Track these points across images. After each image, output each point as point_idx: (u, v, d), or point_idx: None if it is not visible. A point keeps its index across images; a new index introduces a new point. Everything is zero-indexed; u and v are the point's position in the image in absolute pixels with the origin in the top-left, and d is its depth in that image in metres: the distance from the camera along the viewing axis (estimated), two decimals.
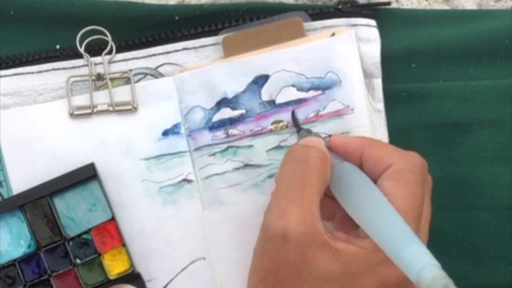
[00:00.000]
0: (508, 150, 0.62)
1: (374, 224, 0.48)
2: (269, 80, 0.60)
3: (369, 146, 0.54)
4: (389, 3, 0.62)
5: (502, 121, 0.62)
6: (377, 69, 0.60)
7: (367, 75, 0.61)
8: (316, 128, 0.60)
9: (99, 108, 0.60)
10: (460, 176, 0.62)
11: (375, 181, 0.52)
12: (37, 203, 0.60)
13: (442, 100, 0.62)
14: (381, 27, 0.61)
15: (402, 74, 0.62)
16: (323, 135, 0.58)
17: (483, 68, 0.62)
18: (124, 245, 0.60)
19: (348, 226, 0.54)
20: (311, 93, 0.60)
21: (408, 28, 0.62)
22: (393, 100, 0.62)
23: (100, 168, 0.60)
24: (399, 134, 0.62)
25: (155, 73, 0.61)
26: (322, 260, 0.49)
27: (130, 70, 0.61)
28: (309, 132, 0.58)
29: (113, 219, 0.60)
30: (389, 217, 0.47)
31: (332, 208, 0.55)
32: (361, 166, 0.53)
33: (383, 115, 0.61)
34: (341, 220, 0.56)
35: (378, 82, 0.61)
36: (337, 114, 0.60)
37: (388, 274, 0.50)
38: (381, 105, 0.61)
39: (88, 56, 0.61)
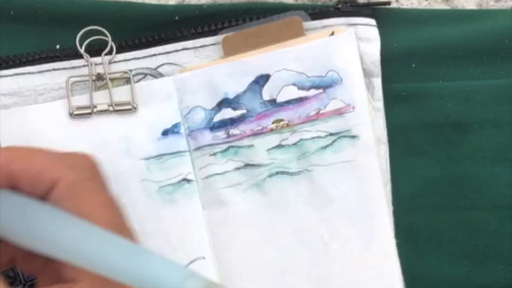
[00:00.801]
0: (508, 150, 0.62)
1: (89, 256, 0.38)
2: (270, 80, 0.60)
3: (18, 160, 0.42)
4: (389, 3, 0.62)
5: (502, 121, 0.62)
6: (376, 68, 0.61)
7: (366, 74, 0.61)
8: (318, 126, 0.60)
9: (99, 108, 0.60)
10: (460, 176, 0.62)
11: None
12: None
13: (442, 100, 0.62)
14: (381, 27, 0.61)
15: (402, 74, 0.62)
16: None
17: (483, 68, 0.62)
18: None
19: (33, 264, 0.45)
20: (312, 92, 0.60)
21: (408, 28, 0.62)
22: (393, 100, 0.62)
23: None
24: (399, 134, 0.62)
25: (155, 73, 0.61)
26: None
27: (130, 70, 0.61)
28: None
29: None
30: (103, 239, 0.38)
31: (9, 251, 0.44)
32: (12, 188, 0.42)
33: (382, 114, 0.61)
34: (27, 258, 0.45)
35: (377, 81, 0.61)
36: (338, 112, 0.60)
37: None
38: (380, 104, 0.61)
39: (88, 56, 0.61)
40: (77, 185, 0.42)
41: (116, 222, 0.42)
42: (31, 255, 0.42)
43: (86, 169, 0.43)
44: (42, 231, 0.39)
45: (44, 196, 0.42)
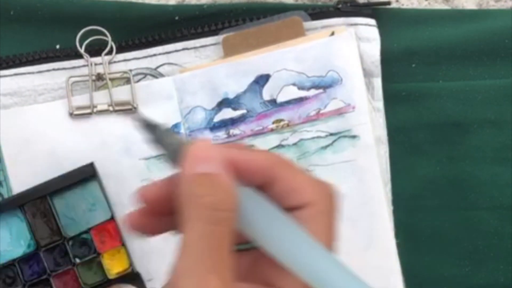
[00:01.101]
0: (508, 150, 0.62)
1: (308, 268, 0.39)
2: (270, 80, 0.60)
3: (281, 168, 0.42)
4: (389, 3, 0.62)
5: (502, 121, 0.62)
6: (376, 68, 0.61)
7: (366, 74, 0.61)
8: (317, 126, 0.60)
9: (99, 108, 0.60)
10: (460, 176, 0.62)
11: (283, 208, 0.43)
12: (37, 203, 0.60)
13: (442, 100, 0.62)
14: (381, 27, 0.61)
15: (402, 74, 0.62)
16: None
17: (483, 68, 0.62)
18: (123, 244, 0.60)
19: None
20: (312, 92, 0.60)
21: (408, 28, 0.62)
22: (393, 100, 0.62)
23: (100, 168, 0.60)
24: (399, 134, 0.62)
25: (155, 73, 0.61)
26: None
27: (130, 70, 0.61)
28: (169, 133, 0.43)
29: (112, 218, 0.60)
30: (329, 261, 0.39)
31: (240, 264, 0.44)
32: (262, 189, 0.42)
33: (382, 114, 0.61)
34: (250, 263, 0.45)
35: (377, 81, 0.61)
36: (338, 112, 0.60)
37: None
38: (380, 104, 0.61)
39: (88, 56, 0.61)
40: (324, 215, 0.42)
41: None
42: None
43: (334, 201, 0.43)
44: (278, 239, 0.40)
45: (289, 207, 0.42)
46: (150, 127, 0.42)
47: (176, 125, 0.61)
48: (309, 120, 0.60)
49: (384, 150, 0.61)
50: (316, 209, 0.42)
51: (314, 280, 0.39)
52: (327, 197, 0.43)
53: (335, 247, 0.42)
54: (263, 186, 0.42)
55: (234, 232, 0.40)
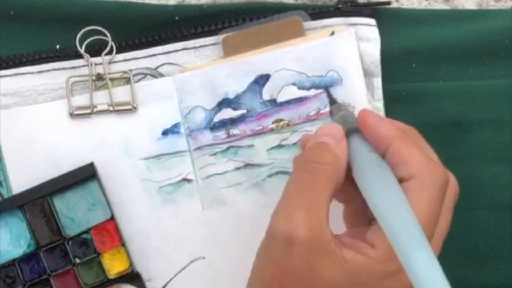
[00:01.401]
0: (508, 150, 0.62)
1: (389, 221, 0.45)
2: (270, 80, 0.60)
3: (398, 142, 0.51)
4: (389, 3, 0.62)
5: (502, 121, 0.62)
6: (377, 68, 0.61)
7: (367, 74, 0.61)
8: (317, 126, 0.59)
9: (99, 108, 0.60)
10: (460, 176, 0.62)
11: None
12: (37, 203, 0.60)
13: (442, 100, 0.62)
14: (381, 27, 0.61)
15: (402, 74, 0.62)
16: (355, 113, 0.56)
17: (483, 68, 0.62)
18: (123, 244, 0.60)
19: (359, 219, 0.53)
20: (312, 92, 0.60)
21: (408, 28, 0.62)
22: (393, 100, 0.62)
23: (100, 168, 0.60)
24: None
25: (155, 73, 0.61)
26: (327, 269, 0.47)
27: (130, 70, 0.61)
28: (339, 108, 0.56)
29: (112, 218, 0.60)
30: (406, 218, 0.45)
31: (351, 193, 0.53)
32: (384, 157, 0.51)
33: (382, 114, 0.61)
34: (355, 208, 0.55)
35: (377, 81, 0.61)
36: None
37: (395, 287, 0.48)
38: (380, 104, 0.61)
39: (88, 56, 0.61)
40: (426, 188, 0.49)
41: (428, 232, 0.48)
42: (359, 208, 0.54)
43: (439, 180, 0.50)
44: (379, 195, 0.47)
45: (399, 178, 0.49)
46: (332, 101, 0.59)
47: (176, 125, 0.61)
48: (309, 120, 0.60)
49: None
50: (419, 181, 0.49)
51: (390, 235, 0.45)
52: (433, 174, 0.49)
53: (433, 223, 0.49)
54: (385, 153, 0.50)
55: (336, 184, 0.50)
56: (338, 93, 0.60)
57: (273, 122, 0.60)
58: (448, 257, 0.62)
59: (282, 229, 0.48)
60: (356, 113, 0.59)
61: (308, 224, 0.48)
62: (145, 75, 0.61)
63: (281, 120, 0.60)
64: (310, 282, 0.48)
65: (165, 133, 0.61)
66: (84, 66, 0.61)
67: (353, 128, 0.53)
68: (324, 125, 0.54)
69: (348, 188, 0.52)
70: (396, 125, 0.53)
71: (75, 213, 0.60)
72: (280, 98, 0.60)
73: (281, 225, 0.48)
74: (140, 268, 0.61)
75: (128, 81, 0.61)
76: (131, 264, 0.60)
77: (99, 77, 0.61)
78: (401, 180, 0.49)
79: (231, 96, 0.60)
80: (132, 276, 0.60)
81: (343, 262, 0.48)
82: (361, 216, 0.54)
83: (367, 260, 0.48)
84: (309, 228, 0.48)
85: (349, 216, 0.55)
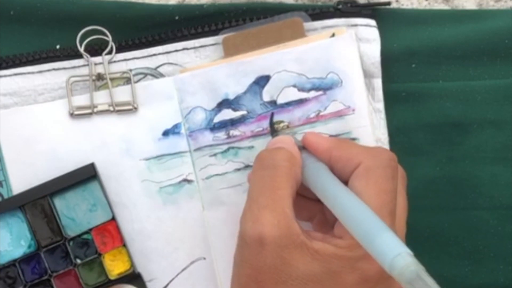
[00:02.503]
0: (508, 150, 0.62)
1: (348, 219, 0.48)
2: (270, 81, 0.60)
3: (336, 148, 0.54)
4: (389, 3, 0.62)
5: (502, 121, 0.62)
6: (377, 69, 0.60)
7: (367, 75, 0.61)
8: (318, 128, 0.60)
9: (99, 108, 0.60)
10: (460, 176, 0.62)
11: (346, 181, 0.52)
12: (37, 203, 0.60)
13: (442, 100, 0.62)
14: (381, 27, 0.61)
15: (402, 74, 0.62)
16: (299, 137, 0.58)
17: (483, 68, 0.62)
18: (124, 245, 0.60)
19: (327, 227, 0.55)
20: (312, 94, 0.60)
21: (408, 28, 0.62)
22: (393, 100, 0.62)
23: (100, 168, 0.60)
24: (399, 134, 0.62)
25: (155, 73, 0.61)
26: (301, 261, 0.49)
27: (130, 70, 0.61)
28: (285, 131, 0.60)
29: (113, 219, 0.60)
30: (360, 211, 0.47)
31: (311, 209, 0.57)
32: (331, 167, 0.54)
33: (383, 115, 0.61)
34: (320, 221, 0.57)
35: (378, 82, 0.61)
36: (338, 114, 0.60)
37: (368, 269, 0.50)
38: (381, 105, 0.61)
39: (88, 56, 0.61)
40: (372, 170, 0.51)
41: (385, 209, 0.50)
42: (323, 218, 0.56)
43: (384, 159, 0.53)
44: (332, 200, 0.50)
45: (349, 175, 0.52)
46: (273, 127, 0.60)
47: (176, 125, 0.61)
48: (309, 122, 0.60)
49: None
50: (363, 166, 0.52)
51: (350, 230, 0.48)
52: (376, 156, 0.52)
53: (389, 200, 0.51)
54: (330, 163, 0.54)
55: (295, 180, 0.53)
56: (338, 95, 0.60)
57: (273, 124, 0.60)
58: (448, 257, 0.62)
59: (251, 232, 0.50)
60: (357, 114, 0.59)
61: (275, 223, 0.50)
62: (145, 75, 0.61)
63: (281, 121, 0.60)
64: (286, 276, 0.49)
65: (165, 133, 0.61)
66: (84, 66, 0.61)
67: (300, 146, 0.56)
68: (274, 138, 0.57)
69: (307, 206, 0.57)
70: (334, 138, 0.58)
71: (75, 213, 0.60)
72: (280, 100, 0.60)
73: (249, 228, 0.50)
74: (141, 268, 0.61)
75: (128, 81, 0.61)
76: (132, 264, 0.60)
77: (99, 77, 0.61)
78: (350, 175, 0.53)
79: (231, 97, 0.60)
80: (133, 276, 0.60)
81: (314, 253, 0.49)
82: (327, 225, 0.55)
83: (336, 248, 0.50)
84: (277, 226, 0.50)
85: (317, 230, 0.57)
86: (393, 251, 0.43)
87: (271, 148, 0.55)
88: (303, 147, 0.56)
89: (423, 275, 0.42)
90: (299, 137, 0.57)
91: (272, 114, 0.60)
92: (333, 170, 0.54)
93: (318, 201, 0.55)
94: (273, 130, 0.60)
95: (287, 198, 0.51)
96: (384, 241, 0.44)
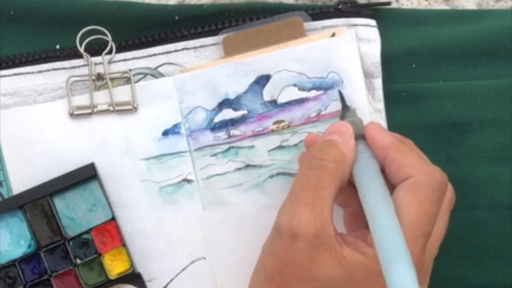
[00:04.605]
0: (508, 150, 0.62)
1: (377, 232, 0.48)
2: (271, 80, 0.60)
3: (394, 150, 0.54)
4: (389, 3, 0.62)
5: (502, 121, 0.62)
6: (377, 69, 0.61)
7: (367, 75, 0.61)
8: (318, 128, 0.60)
9: (99, 108, 0.60)
10: (460, 176, 0.62)
11: (393, 187, 0.53)
12: (37, 203, 0.60)
13: (442, 100, 0.62)
14: (381, 27, 0.61)
15: (402, 74, 0.62)
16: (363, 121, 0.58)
17: (483, 68, 0.62)
18: (124, 245, 0.60)
19: (359, 221, 0.55)
20: (313, 93, 0.60)
21: (408, 28, 0.62)
22: (393, 100, 0.62)
23: (100, 168, 0.60)
24: (399, 134, 0.62)
25: (155, 73, 0.61)
26: (327, 264, 0.50)
27: (130, 70, 0.61)
28: (349, 114, 0.58)
29: (113, 219, 0.60)
30: (391, 230, 0.48)
31: (349, 197, 0.56)
32: (383, 166, 0.54)
33: (383, 115, 0.61)
34: (353, 212, 0.57)
35: (378, 82, 0.61)
36: (339, 114, 0.60)
37: None
38: (381, 105, 0.61)
39: (88, 56, 0.61)
40: (421, 187, 0.51)
41: (420, 230, 0.50)
42: (359, 210, 0.54)
43: (436, 181, 0.52)
44: (371, 203, 0.50)
45: (397, 183, 0.53)
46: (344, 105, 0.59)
47: (176, 125, 0.61)
48: (310, 121, 0.60)
49: None
50: (414, 181, 0.52)
51: (375, 243, 0.47)
52: (429, 175, 0.52)
53: (427, 222, 0.51)
54: (383, 162, 0.54)
55: (341, 182, 0.53)
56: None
57: (273, 123, 0.60)
58: (448, 257, 0.62)
59: (287, 225, 0.51)
60: (358, 114, 0.59)
61: (311, 221, 0.50)
62: (145, 75, 0.61)
63: (282, 121, 0.60)
64: (310, 275, 0.50)
65: (165, 133, 0.61)
66: (84, 66, 0.61)
67: (360, 134, 0.55)
68: (335, 123, 0.56)
69: (347, 191, 0.56)
70: (396, 136, 0.56)
71: (75, 213, 0.60)
72: (281, 99, 0.60)
73: (286, 221, 0.51)
74: (141, 268, 0.61)
75: (128, 81, 0.61)
76: (132, 264, 0.60)
77: (99, 77, 0.60)
78: (399, 183, 0.53)
79: (232, 96, 0.60)
80: (133, 276, 0.60)
81: (342, 259, 0.50)
82: (360, 220, 0.55)
83: (364, 258, 0.50)
84: (313, 225, 0.50)
85: (348, 220, 0.58)
86: (402, 285, 0.44)
87: (324, 143, 0.55)
88: (363, 135, 0.55)
89: None
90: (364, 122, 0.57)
91: (340, 92, 0.60)
92: (384, 169, 0.54)
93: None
94: (344, 105, 0.59)
95: (328, 199, 0.52)
96: (399, 272, 0.45)
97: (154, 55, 0.61)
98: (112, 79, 0.61)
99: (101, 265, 0.60)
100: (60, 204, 0.60)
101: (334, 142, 0.54)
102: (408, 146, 0.56)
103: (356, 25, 0.61)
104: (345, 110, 0.59)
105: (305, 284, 0.50)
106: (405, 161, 0.53)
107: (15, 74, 0.61)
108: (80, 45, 0.61)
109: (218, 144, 0.60)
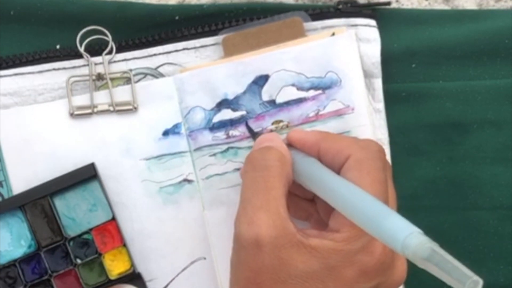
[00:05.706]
0: (508, 150, 0.62)
1: (351, 207, 0.48)
2: (269, 80, 0.60)
3: (325, 141, 0.54)
4: (389, 3, 0.62)
5: (502, 121, 0.62)
6: (377, 69, 0.61)
7: (367, 75, 0.61)
8: (317, 127, 0.60)
9: (99, 108, 0.60)
10: (460, 176, 0.62)
11: (337, 173, 0.53)
12: (38, 203, 0.60)
13: (442, 100, 0.62)
14: (381, 27, 0.61)
15: (402, 74, 0.62)
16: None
17: (483, 68, 0.62)
18: (124, 245, 0.60)
19: (324, 225, 0.54)
20: (311, 93, 0.60)
21: (408, 28, 0.62)
22: (393, 100, 0.62)
23: (101, 168, 0.60)
24: (399, 134, 0.62)
25: (155, 73, 0.61)
26: (299, 260, 0.49)
27: (130, 70, 0.61)
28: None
29: (113, 219, 0.60)
30: (362, 198, 0.48)
31: (307, 209, 0.58)
32: (320, 160, 0.54)
33: (383, 115, 0.61)
34: (317, 220, 0.57)
35: (378, 82, 0.61)
36: (337, 113, 0.60)
37: (367, 261, 0.50)
38: (381, 105, 0.61)
39: (88, 56, 0.61)
40: (363, 161, 0.52)
41: (380, 199, 0.49)
42: (320, 217, 0.56)
43: (374, 151, 0.53)
44: (326, 186, 0.51)
45: (339, 167, 0.53)
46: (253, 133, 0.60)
47: (176, 126, 0.61)
48: (308, 121, 0.60)
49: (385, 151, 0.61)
50: (354, 158, 0.52)
51: (355, 218, 0.47)
52: (364, 149, 0.53)
53: (383, 190, 0.51)
54: (319, 157, 0.54)
55: (287, 179, 0.53)
56: (337, 94, 0.60)
57: (272, 123, 0.60)
58: None
59: (247, 234, 0.50)
60: (356, 113, 0.59)
61: (271, 223, 0.50)
62: (145, 75, 0.61)
63: (281, 121, 0.60)
64: (284, 276, 0.49)
65: (165, 133, 0.61)
66: (84, 66, 0.61)
67: (286, 144, 0.56)
68: (261, 136, 0.58)
69: (303, 206, 0.58)
70: (319, 131, 0.58)
71: (76, 213, 0.60)
72: (279, 99, 0.60)
73: (245, 230, 0.50)
74: (141, 268, 0.61)
75: (128, 81, 0.61)
76: (132, 264, 0.60)
77: (99, 77, 0.61)
78: (340, 167, 0.53)
79: (231, 97, 0.60)
80: (133, 276, 0.60)
81: (312, 250, 0.50)
82: (324, 224, 0.55)
83: (334, 243, 0.50)
84: (273, 227, 0.50)
85: (314, 228, 0.56)
86: (404, 232, 0.43)
87: (262, 148, 0.55)
88: (288, 144, 0.56)
89: (439, 250, 0.43)
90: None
91: (247, 123, 0.60)
92: (322, 163, 0.54)
93: (313, 200, 0.57)
94: (253, 134, 0.60)
95: (281, 198, 0.51)
96: (393, 223, 0.44)
97: (155, 55, 0.61)
98: (112, 79, 0.61)
99: (101, 265, 0.60)
100: (61, 204, 0.60)
101: (270, 146, 0.55)
102: (334, 133, 0.58)
103: (356, 25, 0.61)
104: (256, 135, 0.59)
105: (281, 285, 0.49)
106: (339, 144, 0.54)
107: (15, 74, 0.61)
108: (80, 45, 0.61)
109: (217, 144, 0.60)
